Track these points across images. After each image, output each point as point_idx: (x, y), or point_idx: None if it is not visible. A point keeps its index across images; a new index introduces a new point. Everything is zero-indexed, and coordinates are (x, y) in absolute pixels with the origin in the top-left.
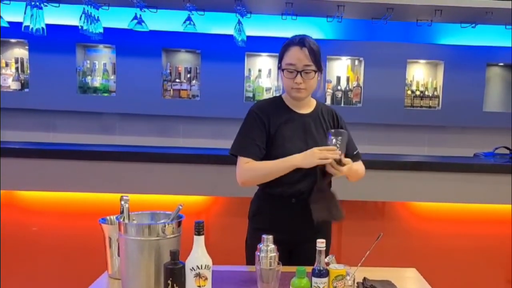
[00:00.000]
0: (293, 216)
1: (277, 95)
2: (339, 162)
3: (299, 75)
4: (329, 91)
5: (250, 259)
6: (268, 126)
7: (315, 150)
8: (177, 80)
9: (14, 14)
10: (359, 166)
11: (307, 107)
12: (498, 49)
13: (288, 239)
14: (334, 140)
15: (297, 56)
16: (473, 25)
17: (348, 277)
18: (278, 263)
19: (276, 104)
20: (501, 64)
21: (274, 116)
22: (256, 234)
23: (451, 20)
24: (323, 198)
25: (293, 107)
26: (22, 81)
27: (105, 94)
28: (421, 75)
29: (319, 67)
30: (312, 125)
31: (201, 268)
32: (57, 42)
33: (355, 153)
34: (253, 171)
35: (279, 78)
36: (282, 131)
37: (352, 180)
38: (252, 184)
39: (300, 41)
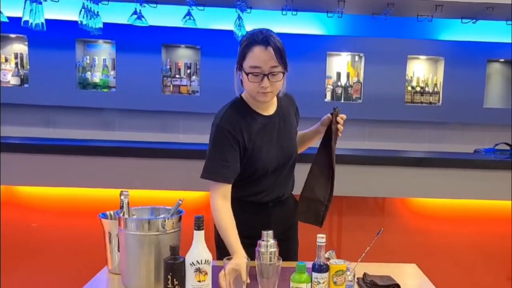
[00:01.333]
0: (268, 219)
1: (235, 97)
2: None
3: (266, 79)
4: (329, 87)
5: (221, 258)
6: (243, 142)
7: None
8: (177, 76)
9: (13, 9)
10: None
11: (272, 105)
12: (499, 45)
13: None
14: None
15: (262, 57)
16: (474, 20)
17: (348, 272)
18: (278, 258)
19: (242, 110)
20: (502, 60)
21: (246, 129)
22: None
23: (451, 15)
24: (313, 200)
25: (257, 108)
26: (22, 77)
27: (105, 90)
28: (421, 71)
29: (286, 66)
30: (281, 125)
31: (201, 263)
32: (57, 38)
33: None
34: (217, 219)
35: (238, 79)
36: (257, 143)
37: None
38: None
39: (264, 39)
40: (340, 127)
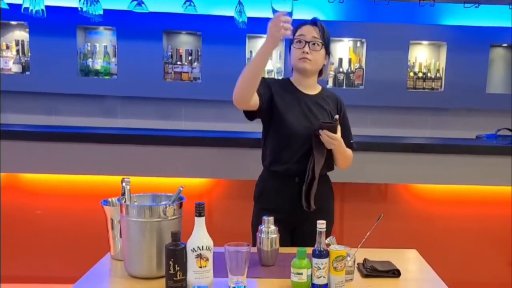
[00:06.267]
0: (297, 196)
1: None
2: (331, 129)
3: (307, 45)
4: (331, 73)
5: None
6: (277, 95)
7: (274, 20)
8: (178, 63)
9: None
10: (349, 151)
11: (313, 89)
12: (502, 30)
13: (291, 218)
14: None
15: (308, 29)
16: (476, 5)
17: (348, 258)
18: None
19: (285, 83)
20: (505, 45)
21: (282, 89)
22: (262, 214)
23: (453, 0)
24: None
25: (300, 87)
26: (23, 64)
27: (107, 77)
28: (423, 56)
29: (327, 45)
30: (315, 104)
31: (202, 249)
32: (58, 24)
33: (351, 141)
34: (237, 82)
35: (288, 57)
36: (288, 104)
37: (340, 165)
38: (242, 96)
39: (313, 21)
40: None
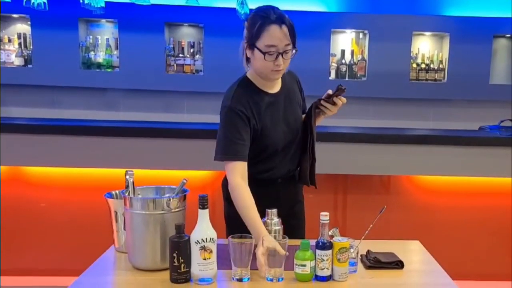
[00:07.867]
0: (277, 195)
1: (241, 77)
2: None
3: (280, 57)
4: (334, 64)
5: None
6: (254, 121)
7: (258, 255)
8: (181, 55)
9: None
10: None
11: (277, 84)
12: (505, 20)
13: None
14: None
15: (278, 36)
16: None
17: (351, 250)
18: (284, 237)
19: (249, 89)
20: (508, 35)
21: (254, 106)
22: (237, 214)
23: None
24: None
25: (264, 87)
26: (25, 57)
27: (109, 70)
28: (426, 47)
29: (295, 44)
30: (287, 102)
31: (206, 241)
32: (59, 17)
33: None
34: (237, 198)
35: (250, 56)
36: (266, 121)
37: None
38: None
39: (279, 18)
40: (332, 108)
